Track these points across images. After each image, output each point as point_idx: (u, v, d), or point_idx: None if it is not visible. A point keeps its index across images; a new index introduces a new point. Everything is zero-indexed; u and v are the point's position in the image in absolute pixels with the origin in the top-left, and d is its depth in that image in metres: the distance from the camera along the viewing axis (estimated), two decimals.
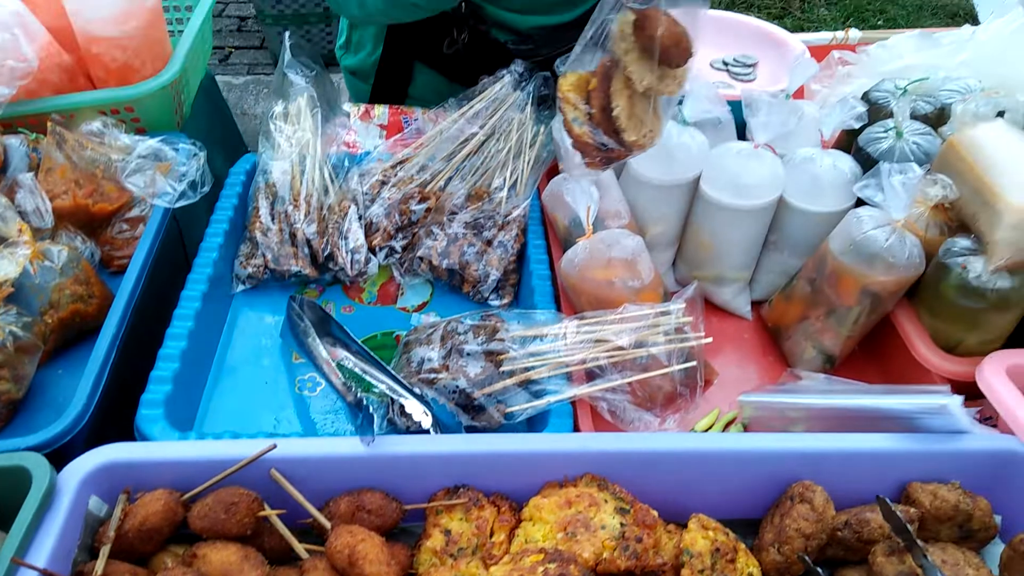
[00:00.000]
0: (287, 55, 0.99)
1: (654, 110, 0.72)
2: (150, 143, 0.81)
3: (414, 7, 0.99)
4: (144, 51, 0.88)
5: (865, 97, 0.96)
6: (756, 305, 0.95)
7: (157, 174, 0.80)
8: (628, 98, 0.71)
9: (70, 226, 0.82)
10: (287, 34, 1.01)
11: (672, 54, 0.69)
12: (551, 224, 0.94)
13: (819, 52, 1.15)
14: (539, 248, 0.91)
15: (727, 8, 3.12)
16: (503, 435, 0.68)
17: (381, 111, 1.22)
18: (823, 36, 1.16)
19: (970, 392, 0.72)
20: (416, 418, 0.71)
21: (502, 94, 1.04)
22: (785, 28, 3.03)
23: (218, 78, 2.89)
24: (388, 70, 1.25)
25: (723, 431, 0.79)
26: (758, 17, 3.15)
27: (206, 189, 0.83)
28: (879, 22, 3.04)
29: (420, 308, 0.92)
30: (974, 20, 3.23)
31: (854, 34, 1.16)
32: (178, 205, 0.82)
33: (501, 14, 1.16)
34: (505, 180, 0.97)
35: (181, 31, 1.10)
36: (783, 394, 0.78)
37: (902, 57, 1.06)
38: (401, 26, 1.17)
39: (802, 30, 2.99)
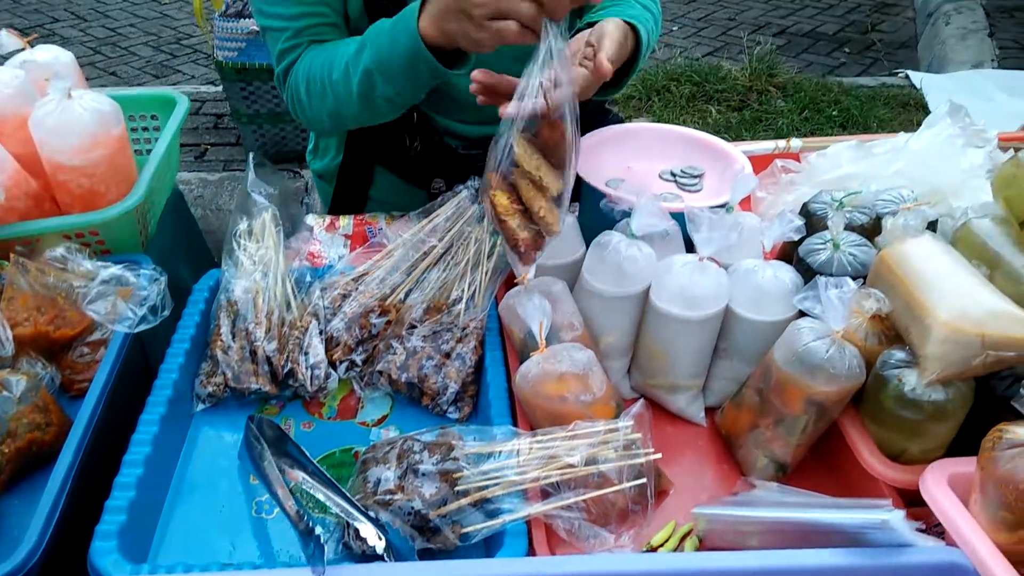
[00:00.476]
0: (251, 175, 1.03)
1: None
2: (112, 270, 0.83)
3: (389, 105, 1.03)
4: (109, 177, 0.91)
5: (804, 208, 1.01)
6: (711, 411, 0.97)
7: (118, 299, 0.82)
8: (544, 199, 0.82)
9: (31, 352, 0.83)
10: (251, 155, 1.04)
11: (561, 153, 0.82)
12: (508, 335, 0.96)
13: (763, 160, 1.21)
14: (496, 360, 0.93)
15: (689, 100, 3.25)
16: (455, 563, 0.69)
17: (346, 222, 1.26)
18: (766, 145, 1.22)
19: (920, 500, 0.74)
20: (371, 542, 0.71)
21: (461, 207, 1.08)
22: (744, 120, 3.15)
23: (193, 175, 2.95)
24: (350, 173, 1.30)
25: (679, 545, 0.80)
26: (716, 109, 3.28)
27: (166, 313, 0.85)
28: (834, 112, 3.17)
29: (380, 422, 0.93)
30: (925, 109, 3.38)
31: (795, 143, 1.22)
32: (138, 330, 0.84)
33: (450, 124, 1.22)
34: (464, 291, 1.00)
35: (149, 150, 1.14)
36: (736, 507, 0.79)
37: (841, 166, 1.12)
38: (360, 132, 1.23)
39: (760, 121, 3.11)
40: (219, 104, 3.36)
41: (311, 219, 1.25)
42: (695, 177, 1.12)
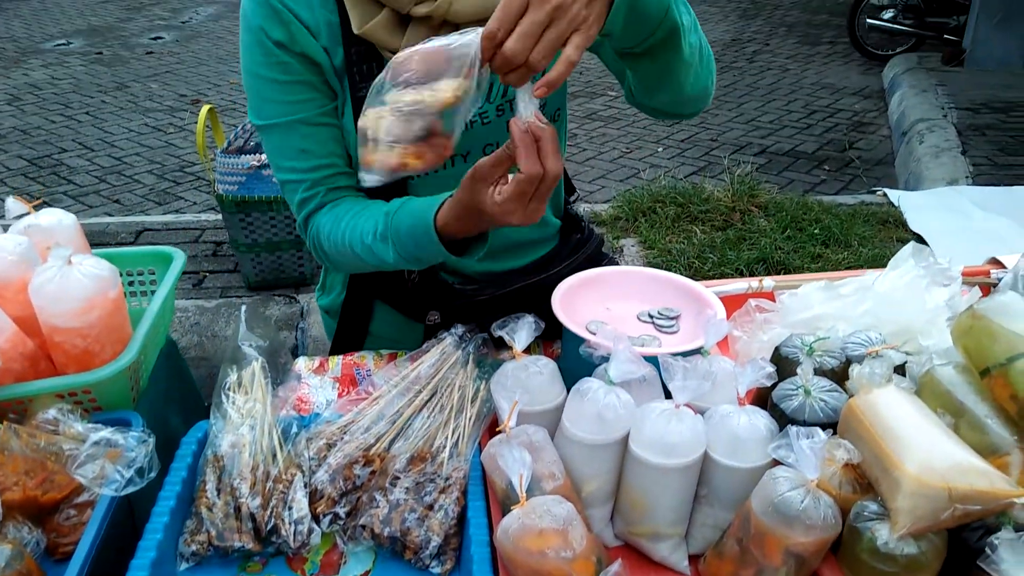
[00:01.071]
0: (242, 328, 1.06)
1: None
2: (103, 432, 0.85)
3: (406, 266, 1.09)
4: (104, 337, 0.94)
5: (776, 353, 1.04)
6: (695, 559, 0.97)
7: (106, 462, 0.84)
8: None
9: (18, 516, 0.84)
10: (243, 307, 1.08)
11: None
12: (491, 484, 0.97)
13: (738, 299, 1.25)
14: (479, 510, 0.94)
15: (674, 220, 3.34)
16: None
17: (335, 363, 1.29)
18: (739, 285, 1.27)
19: None
20: None
21: (445, 354, 1.11)
22: (728, 239, 3.22)
23: (191, 302, 3.00)
24: (352, 308, 1.34)
25: None
26: (701, 229, 3.36)
27: (153, 475, 0.86)
28: (815, 230, 3.26)
29: None
30: (904, 226, 3.47)
31: (767, 283, 1.27)
32: (125, 492, 0.85)
33: (451, 260, 1.26)
34: (447, 439, 1.02)
35: (145, 303, 1.18)
36: None
37: (811, 308, 1.16)
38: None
39: (744, 240, 3.20)
40: (219, 232, 3.45)
41: (301, 362, 1.28)
42: (671, 319, 1.16)
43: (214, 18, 9.77)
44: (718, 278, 3.00)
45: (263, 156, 2.89)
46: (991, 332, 0.82)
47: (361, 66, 1.04)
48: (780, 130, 5.44)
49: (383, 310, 1.34)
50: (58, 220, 1.02)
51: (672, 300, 1.20)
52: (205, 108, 2.89)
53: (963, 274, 1.28)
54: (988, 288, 1.28)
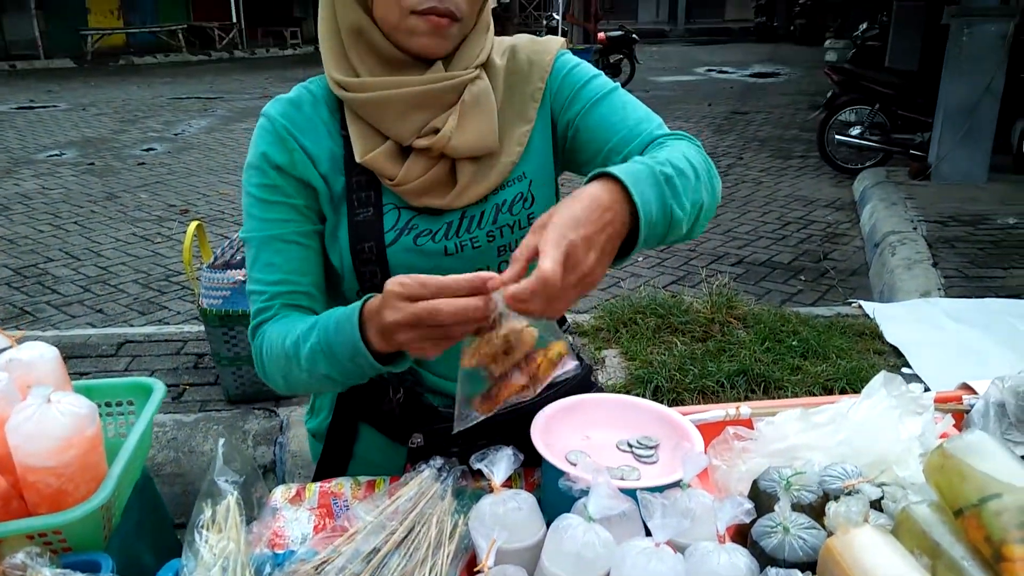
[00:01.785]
0: (219, 462, 1.05)
1: None
2: None
3: (331, 382, 1.08)
4: (79, 476, 0.93)
5: (754, 487, 1.05)
6: None
7: None
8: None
9: None
10: (221, 441, 1.08)
11: None
12: None
13: (716, 427, 1.26)
14: None
15: (655, 331, 3.38)
16: None
17: (312, 492, 1.27)
18: (717, 413, 1.28)
19: None
20: None
21: (423, 487, 1.10)
22: (708, 350, 3.25)
23: (169, 416, 2.97)
24: (337, 431, 1.33)
25: None
26: (681, 341, 3.39)
27: None
28: (793, 342, 3.30)
29: None
30: (880, 338, 3.52)
31: (744, 410, 1.28)
32: None
33: (439, 382, 1.26)
34: None
35: (122, 433, 1.17)
36: None
37: (788, 437, 1.17)
38: (351, 391, 1.25)
39: (724, 352, 3.23)
40: (201, 344, 3.45)
41: (278, 492, 1.26)
42: (650, 448, 1.16)
43: (206, 130, 10.07)
44: (699, 392, 3.03)
45: None
46: (961, 472, 0.83)
47: (360, 193, 1.08)
48: (756, 240, 5.58)
49: (368, 432, 1.33)
50: (39, 354, 1.02)
51: (651, 428, 1.21)
52: (193, 224, 2.95)
53: (936, 400, 1.30)
54: (961, 415, 1.30)
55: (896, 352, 3.29)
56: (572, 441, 1.18)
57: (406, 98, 1.03)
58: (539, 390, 0.90)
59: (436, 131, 1.04)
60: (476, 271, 1.12)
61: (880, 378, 1.22)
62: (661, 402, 3.06)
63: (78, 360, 3.39)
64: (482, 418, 0.91)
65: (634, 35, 12.86)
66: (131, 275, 5.07)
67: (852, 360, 3.15)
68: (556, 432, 1.18)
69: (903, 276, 4.17)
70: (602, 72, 1.19)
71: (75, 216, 6.33)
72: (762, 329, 3.40)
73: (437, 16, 1.00)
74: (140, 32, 20.60)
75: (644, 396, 3.02)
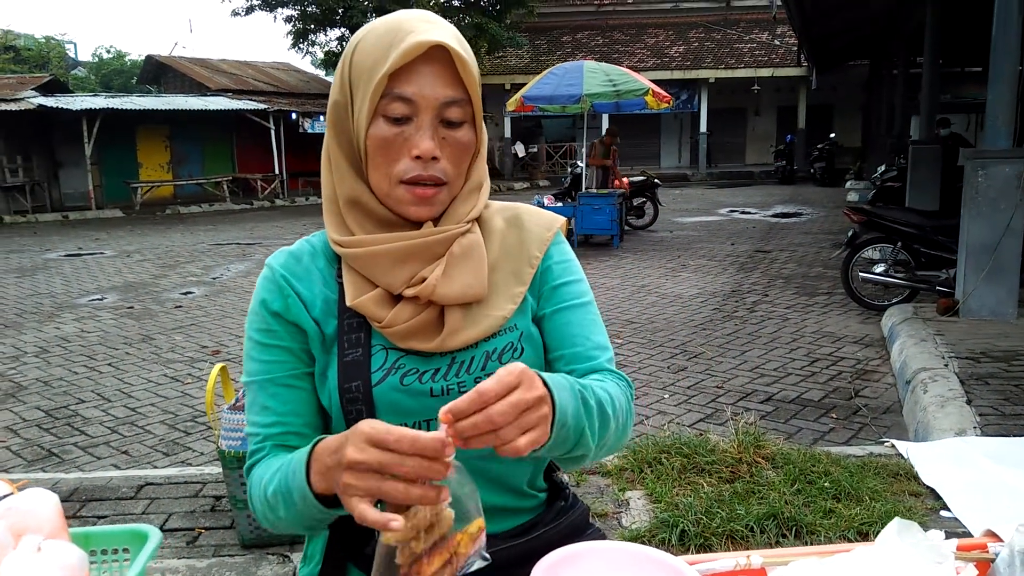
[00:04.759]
0: None
1: None
2: None
3: (297, 526, 1.09)
4: None
5: None
6: None
7: None
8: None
9: None
10: None
11: None
12: None
13: None
14: None
15: (680, 472, 3.29)
16: None
17: None
18: (727, 562, 1.23)
19: None
20: None
21: None
22: (736, 492, 3.15)
23: (182, 562, 2.91)
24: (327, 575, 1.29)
25: None
26: (708, 482, 3.28)
27: None
28: (825, 483, 3.19)
29: None
30: (916, 479, 3.39)
31: (756, 559, 1.23)
32: None
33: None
34: None
35: None
36: None
37: None
38: (340, 534, 1.24)
39: (753, 494, 3.12)
40: (219, 486, 3.43)
41: None
42: None
43: (243, 274, 10.43)
44: (728, 536, 2.90)
45: None
46: None
47: (351, 335, 1.13)
48: (785, 377, 5.50)
49: (355, 573, 1.29)
50: (37, 502, 1.03)
51: None
52: (217, 367, 3.00)
53: (959, 548, 1.24)
54: (986, 564, 1.23)
55: (933, 494, 3.15)
56: None
57: (394, 252, 1.09)
58: (460, 566, 0.88)
59: (423, 280, 1.09)
60: None
61: (894, 526, 1.17)
62: (688, 548, 2.94)
63: (97, 503, 3.37)
64: None
65: (656, 179, 13.31)
66: (159, 416, 5.11)
67: (887, 503, 3.02)
68: None
69: (937, 414, 4.05)
70: (584, 278, 1.26)
71: (110, 358, 6.47)
72: (792, 470, 3.29)
73: (423, 186, 1.07)
74: (187, 184, 21.81)
75: (670, 541, 2.90)
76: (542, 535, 1.31)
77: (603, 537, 1.39)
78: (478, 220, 1.18)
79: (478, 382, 1.13)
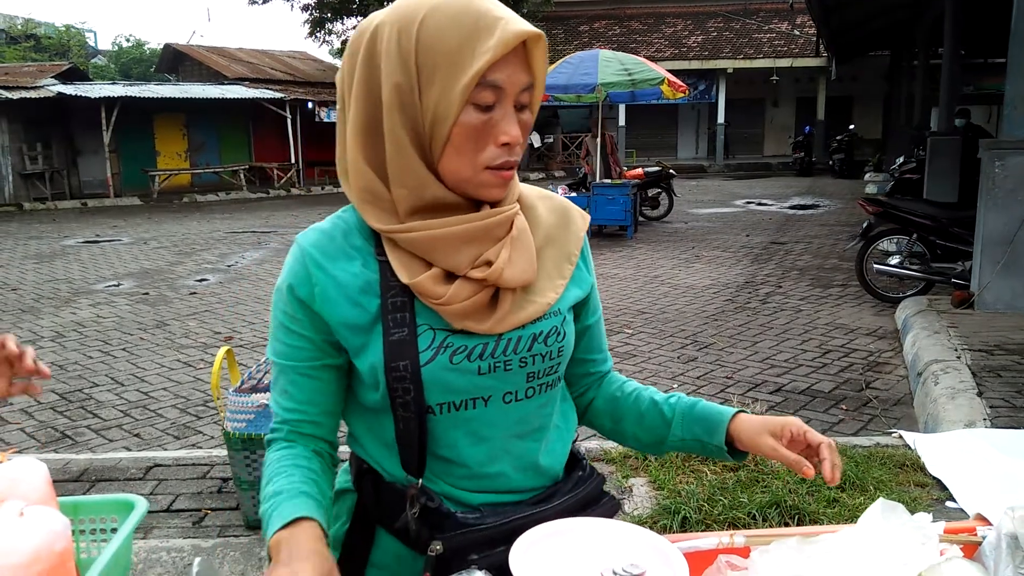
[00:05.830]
0: None
1: None
2: None
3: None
4: None
5: None
6: None
7: None
8: None
9: None
10: (196, 561, 1.07)
11: None
12: None
13: (709, 555, 1.21)
14: None
15: (684, 459, 3.28)
16: None
17: None
18: (710, 540, 1.23)
19: None
20: None
21: None
22: (739, 481, 3.12)
23: (187, 541, 2.94)
24: (354, 537, 1.32)
25: None
26: (711, 470, 3.28)
27: None
28: None
29: None
30: (922, 470, 3.37)
31: (739, 539, 1.23)
32: None
33: (452, 491, 1.25)
34: None
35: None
36: None
37: (782, 567, 1.12)
38: (368, 497, 1.27)
39: (757, 482, 3.11)
40: (226, 468, 3.46)
41: None
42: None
43: (258, 262, 10.50)
44: (729, 524, 2.89)
45: None
46: None
47: (395, 314, 1.12)
48: (795, 368, 5.47)
49: (386, 538, 1.30)
50: (26, 471, 1.05)
51: (639, 555, 1.16)
52: (223, 350, 3.03)
53: (946, 531, 1.24)
54: (973, 547, 1.23)
55: (940, 485, 3.13)
56: (556, 568, 1.14)
57: (459, 235, 1.08)
58: None
59: (489, 263, 1.09)
60: (505, 392, 1.17)
61: (878, 507, 1.16)
62: None
63: (106, 483, 3.42)
64: None
65: (671, 170, 13.23)
66: (171, 400, 5.17)
67: (892, 493, 3.01)
68: (540, 558, 1.14)
69: (947, 406, 4.02)
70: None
71: (124, 343, 6.55)
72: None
73: (507, 169, 1.08)
74: (204, 172, 21.95)
75: (671, 527, 2.90)
76: (560, 504, 1.32)
77: (618, 506, 1.40)
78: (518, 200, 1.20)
79: (524, 363, 1.18)
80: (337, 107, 1.18)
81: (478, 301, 1.10)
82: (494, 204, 1.12)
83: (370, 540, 1.30)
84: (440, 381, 1.11)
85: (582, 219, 1.27)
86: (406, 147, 1.06)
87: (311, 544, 1.03)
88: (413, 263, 1.10)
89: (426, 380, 1.11)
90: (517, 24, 1.02)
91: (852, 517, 2.85)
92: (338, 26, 24.05)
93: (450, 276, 1.10)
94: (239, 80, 23.31)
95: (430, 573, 1.17)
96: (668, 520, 2.91)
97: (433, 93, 1.02)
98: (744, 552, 1.23)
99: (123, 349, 6.35)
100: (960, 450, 3.33)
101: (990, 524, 1.30)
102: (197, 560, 1.09)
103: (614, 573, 1.14)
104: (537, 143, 25.57)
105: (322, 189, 21.84)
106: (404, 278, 1.10)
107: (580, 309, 1.27)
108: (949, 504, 2.98)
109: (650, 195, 13.17)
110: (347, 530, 1.32)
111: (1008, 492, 2.95)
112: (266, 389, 3.09)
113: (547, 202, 1.26)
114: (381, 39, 1.04)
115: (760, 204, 15.85)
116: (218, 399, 3.05)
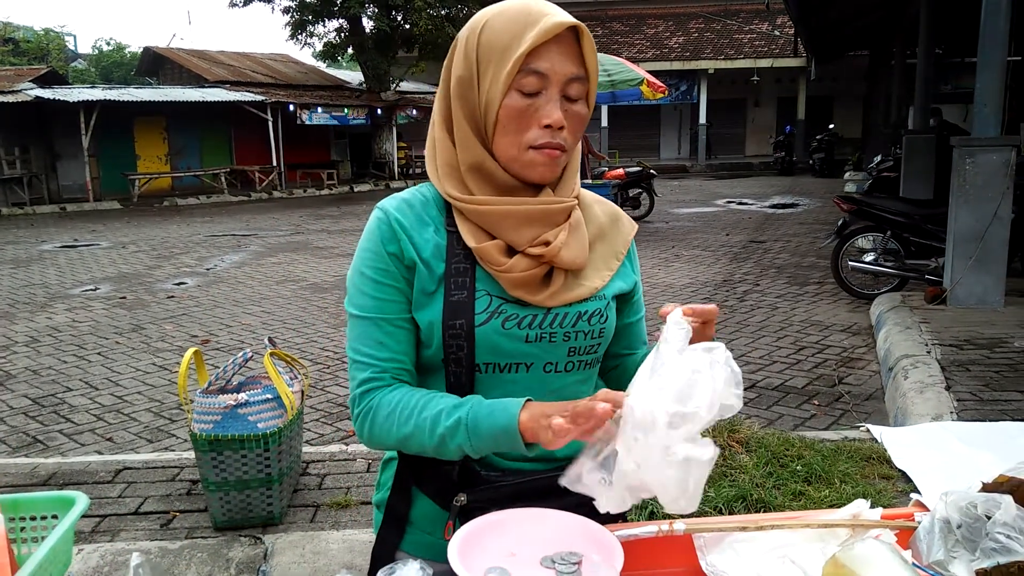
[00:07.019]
0: None
1: None
2: None
3: (459, 452, 1.21)
4: None
5: None
6: None
7: None
8: None
9: None
10: (134, 555, 1.07)
11: None
12: None
13: (648, 543, 1.23)
14: None
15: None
16: None
17: None
18: (650, 528, 1.25)
19: None
20: None
21: None
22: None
23: (155, 543, 2.93)
24: (395, 498, 1.40)
25: None
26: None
27: None
28: (797, 467, 3.20)
29: None
30: (888, 463, 3.41)
31: (678, 526, 1.25)
32: None
33: (490, 456, 1.33)
34: None
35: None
36: None
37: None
38: (408, 463, 1.36)
39: (724, 476, 3.14)
40: (195, 470, 3.44)
41: None
42: (573, 564, 1.13)
43: (237, 265, 10.44)
44: (696, 516, 2.91)
45: (240, 396, 2.97)
46: None
47: (457, 278, 1.24)
48: (770, 365, 5.52)
49: (422, 500, 1.38)
50: None
51: (578, 544, 1.18)
52: (190, 351, 3.02)
53: (883, 517, 1.26)
54: (909, 532, 1.25)
55: (905, 477, 3.16)
56: (494, 558, 1.15)
57: (522, 214, 1.21)
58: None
59: (547, 243, 1.21)
60: (547, 362, 1.28)
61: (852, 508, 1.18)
62: None
63: (74, 487, 3.39)
64: None
65: (652, 171, 13.28)
66: (145, 404, 5.14)
67: (857, 485, 3.04)
68: (477, 550, 1.15)
69: (915, 400, 4.07)
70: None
71: (99, 347, 6.50)
72: (764, 453, 3.31)
73: (551, 149, 1.17)
74: (185, 176, 21.81)
75: (637, 520, 2.92)
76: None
77: None
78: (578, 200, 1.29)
79: (567, 337, 1.28)
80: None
81: (534, 274, 1.22)
82: (552, 191, 1.23)
83: (408, 501, 1.40)
84: (490, 343, 1.21)
85: (630, 225, 1.39)
86: (467, 132, 1.20)
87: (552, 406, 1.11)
88: (479, 233, 1.22)
89: (478, 340, 1.21)
90: (559, 16, 1.14)
91: (817, 509, 2.88)
92: (319, 28, 24.01)
93: (511, 251, 1.22)
94: (220, 83, 23.18)
95: (453, 523, 1.27)
96: (635, 515, 2.93)
97: (486, 82, 1.17)
98: (686, 539, 1.24)
99: (98, 353, 6.30)
100: (925, 443, 3.37)
101: (926, 509, 1.33)
102: (135, 554, 1.09)
103: (552, 562, 1.16)
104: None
105: (304, 192, 21.75)
106: (471, 242, 1.22)
107: (623, 305, 1.37)
108: (914, 496, 3.00)
109: (631, 195, 13.23)
110: (390, 492, 1.40)
111: (971, 484, 2.98)
112: (234, 390, 3.09)
113: (602, 206, 1.38)
114: (460, 44, 1.21)
115: (741, 203, 15.95)
116: (185, 401, 3.04)
